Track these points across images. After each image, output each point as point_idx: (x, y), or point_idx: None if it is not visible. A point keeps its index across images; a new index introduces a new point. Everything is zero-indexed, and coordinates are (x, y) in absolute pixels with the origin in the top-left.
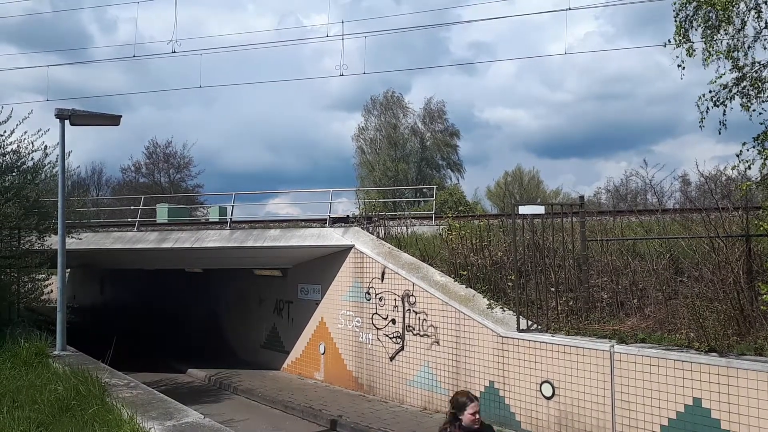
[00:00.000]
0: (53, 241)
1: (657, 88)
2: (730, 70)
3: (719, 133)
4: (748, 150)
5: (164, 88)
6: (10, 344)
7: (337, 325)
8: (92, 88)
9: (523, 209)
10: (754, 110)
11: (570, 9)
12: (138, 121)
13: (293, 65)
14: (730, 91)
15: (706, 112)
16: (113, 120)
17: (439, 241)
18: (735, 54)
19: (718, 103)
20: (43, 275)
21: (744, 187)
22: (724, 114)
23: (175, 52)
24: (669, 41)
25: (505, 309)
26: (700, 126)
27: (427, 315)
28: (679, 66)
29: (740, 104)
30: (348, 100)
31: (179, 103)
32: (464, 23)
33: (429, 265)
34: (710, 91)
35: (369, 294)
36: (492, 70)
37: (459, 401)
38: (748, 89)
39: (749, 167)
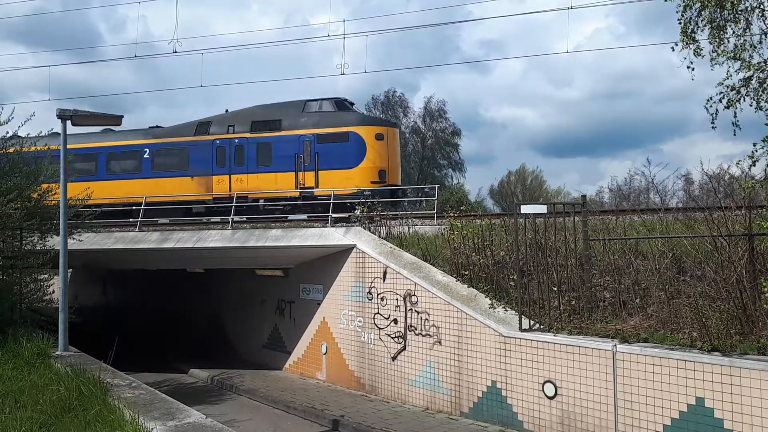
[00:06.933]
0: (55, 242)
1: (666, 86)
2: (736, 71)
3: (734, 134)
4: (757, 151)
5: (169, 87)
6: (13, 345)
7: (339, 325)
8: (104, 86)
9: (525, 208)
10: (766, 110)
11: (571, 8)
12: (145, 119)
13: (299, 64)
14: (738, 92)
15: (716, 114)
16: (115, 120)
17: (441, 241)
18: (743, 54)
19: (728, 105)
20: (45, 276)
21: (747, 186)
22: (735, 116)
23: (176, 51)
24: (676, 44)
25: (507, 309)
26: (712, 127)
27: (429, 315)
28: (688, 67)
29: (750, 105)
30: (354, 99)
31: (184, 102)
32: (472, 21)
33: (431, 264)
34: (719, 93)
35: (371, 294)
36: (500, 68)
37: None
38: (758, 91)
39: (753, 164)
